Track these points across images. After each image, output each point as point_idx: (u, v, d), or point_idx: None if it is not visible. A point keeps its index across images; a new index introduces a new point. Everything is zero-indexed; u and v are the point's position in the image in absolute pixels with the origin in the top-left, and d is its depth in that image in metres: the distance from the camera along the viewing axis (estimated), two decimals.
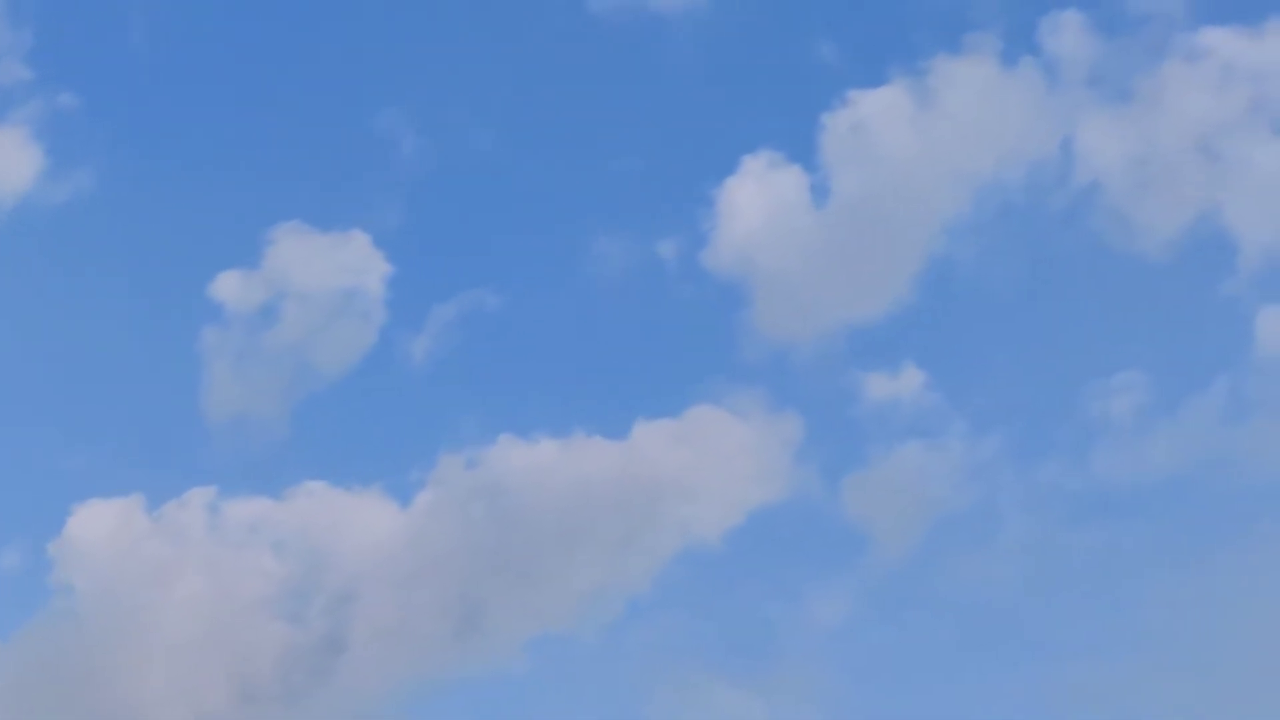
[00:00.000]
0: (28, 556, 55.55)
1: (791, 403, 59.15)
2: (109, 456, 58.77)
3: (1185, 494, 57.05)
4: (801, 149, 61.90)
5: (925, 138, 61.37)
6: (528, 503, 57.32)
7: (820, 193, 61.91)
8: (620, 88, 64.95)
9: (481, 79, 64.41)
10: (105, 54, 63.47)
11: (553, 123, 64.59)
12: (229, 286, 59.71)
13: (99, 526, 55.61)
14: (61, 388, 60.23)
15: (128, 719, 52.08)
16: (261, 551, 55.77)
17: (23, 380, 59.78)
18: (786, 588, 57.36)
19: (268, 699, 53.25)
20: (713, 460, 58.25)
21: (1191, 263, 60.37)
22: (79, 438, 58.99)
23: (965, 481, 58.40)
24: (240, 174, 63.49)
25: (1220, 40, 61.09)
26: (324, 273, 60.24)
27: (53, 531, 54.88)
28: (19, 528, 56.17)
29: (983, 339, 60.76)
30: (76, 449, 58.66)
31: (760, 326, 60.26)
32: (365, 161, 63.51)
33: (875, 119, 61.27)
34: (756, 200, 61.19)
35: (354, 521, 56.92)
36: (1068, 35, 61.48)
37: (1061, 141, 61.01)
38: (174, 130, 63.85)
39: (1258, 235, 59.65)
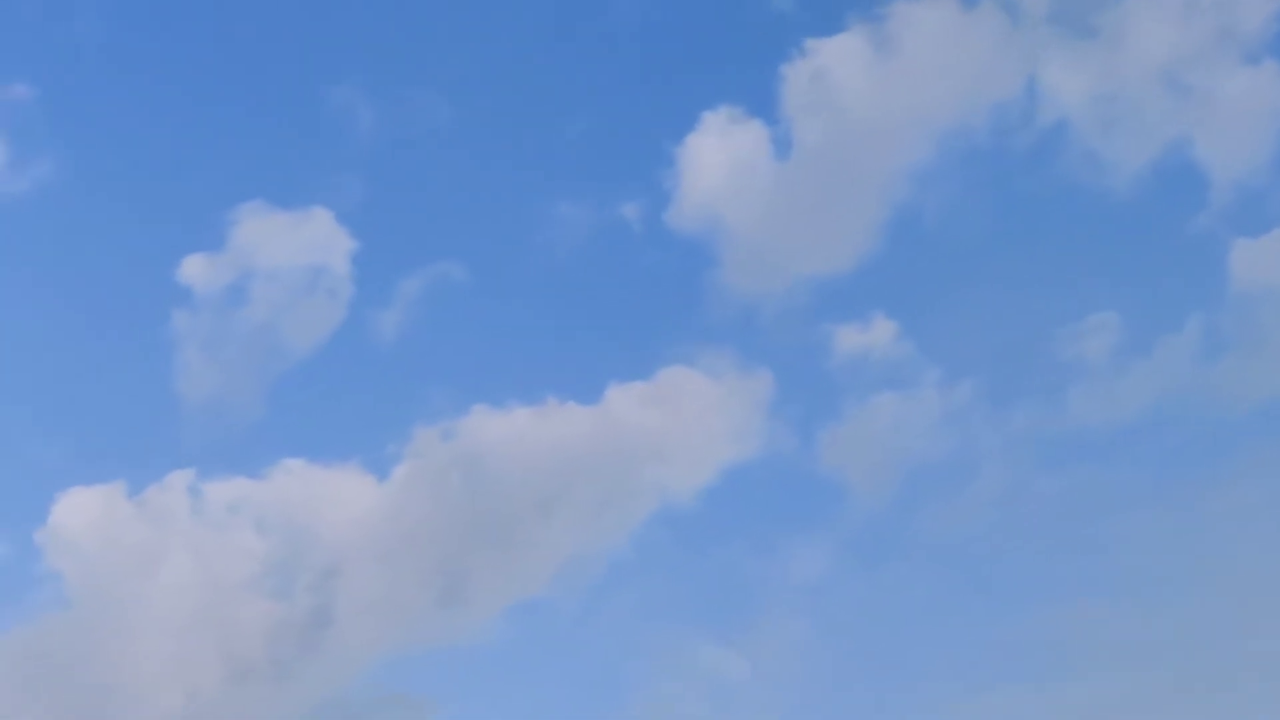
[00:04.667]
0: (15, 546, 56.29)
1: (762, 359, 59.41)
2: (88, 444, 59.34)
3: (1161, 434, 57.21)
4: (762, 102, 61.71)
5: (886, 84, 61.03)
6: (504, 471, 57.82)
7: (782, 145, 61.78)
8: (574, 49, 64.82)
9: (434, 48, 64.27)
10: (57, 43, 63.57)
11: (508, 89, 64.38)
12: (195, 269, 60.00)
13: (83, 514, 56.12)
14: (35, 379, 60.73)
15: (121, 701, 52.86)
16: (244, 531, 56.42)
17: None
18: (764, 544, 57.89)
19: (258, 675, 53.98)
20: (686, 420, 58.53)
21: (1162, 198, 60.15)
22: (57, 427, 59.58)
23: (939, 430, 58.66)
24: (199, 156, 63.75)
25: None
26: (289, 251, 60.43)
27: (38, 521, 55.57)
28: (4, 519, 56.92)
29: (953, 286, 60.65)
30: (55, 438, 59.18)
31: (728, 284, 60.39)
32: (323, 138, 63.57)
33: (835, 67, 60.85)
34: (718, 156, 60.97)
35: (333, 497, 57.33)
36: None
37: (1025, 81, 60.63)
38: (130, 117, 63.95)
39: (1229, 167, 59.38)
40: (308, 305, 60.16)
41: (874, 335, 59.20)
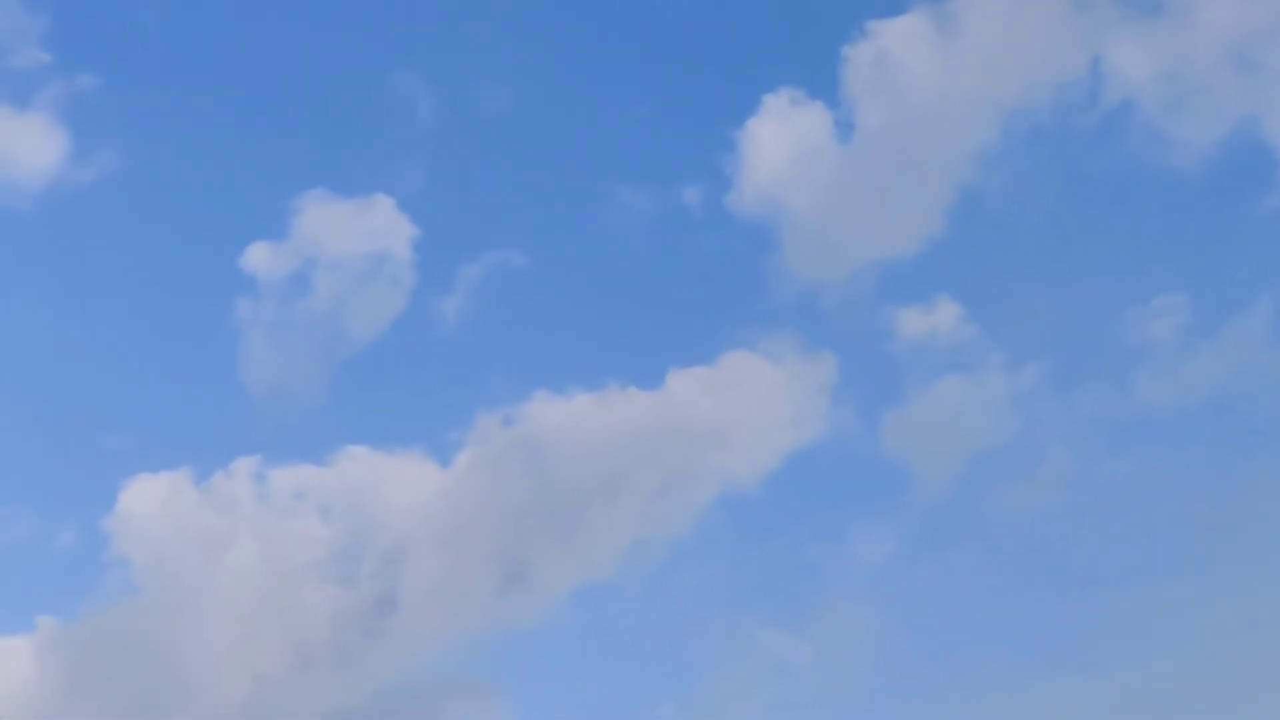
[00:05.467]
0: (83, 534, 56.78)
1: (825, 343, 59.13)
2: (155, 432, 59.82)
3: (1228, 417, 56.46)
4: (823, 84, 61.36)
5: (949, 65, 60.46)
6: (566, 457, 57.83)
7: (844, 128, 61.41)
8: (634, 34, 64.68)
9: (494, 35, 64.23)
10: (121, 33, 64.03)
11: (569, 75, 64.51)
12: (259, 258, 60.33)
13: (150, 501, 56.65)
14: (102, 368, 61.16)
15: (188, 686, 53.31)
16: (309, 517, 56.80)
17: (63, 363, 60.72)
18: (827, 529, 57.62)
19: (323, 661, 54.28)
20: (748, 405, 58.32)
21: (1230, 178, 59.28)
22: (124, 416, 60.15)
23: (1004, 414, 58.18)
24: (262, 145, 64.13)
25: None
26: (351, 239, 60.73)
27: (106, 508, 56.09)
28: (73, 507, 57.54)
29: (1018, 268, 60.12)
30: (122, 427, 59.77)
31: (789, 268, 60.06)
32: (384, 125, 63.87)
33: (897, 49, 60.37)
34: (779, 140, 60.67)
35: (397, 483, 57.58)
36: None
37: (1090, 61, 59.97)
38: (194, 106, 64.35)
39: None
40: (370, 293, 60.54)
41: (938, 318, 58.93)
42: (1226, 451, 55.61)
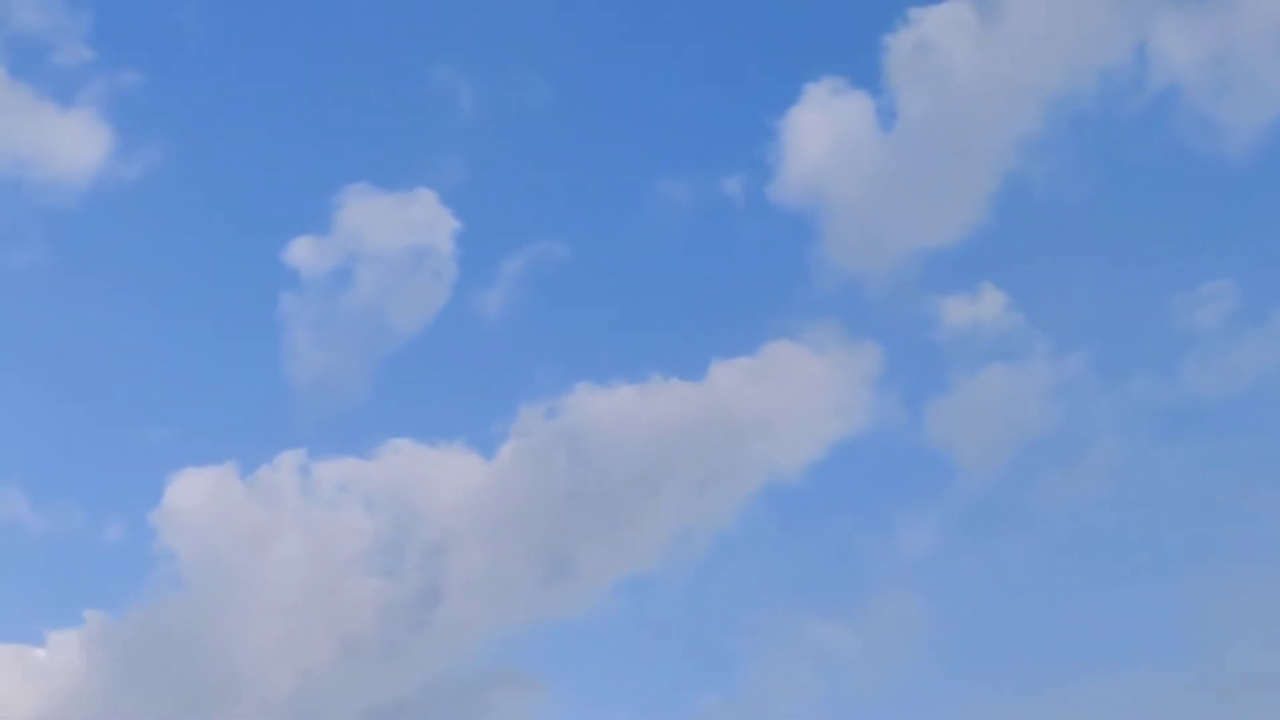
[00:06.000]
0: (130, 528, 57.02)
1: (869, 332, 58.89)
2: (200, 426, 59.96)
3: (1277, 403, 55.82)
4: (865, 73, 61.05)
5: (992, 52, 60.02)
6: (609, 448, 57.77)
7: (887, 116, 61.07)
8: (675, 25, 64.61)
9: (534, 27, 64.28)
10: (164, 30, 64.19)
11: (609, 67, 64.44)
12: (302, 252, 60.50)
13: (196, 495, 56.82)
14: (147, 363, 61.50)
15: (235, 679, 53.50)
16: (353, 510, 56.87)
17: (108, 359, 61.09)
18: (873, 519, 57.44)
19: (369, 653, 54.43)
20: (792, 395, 58.10)
21: (1277, 163, 58.61)
22: (169, 410, 60.33)
23: (1051, 402, 57.82)
24: (304, 140, 64.26)
25: None
26: (394, 232, 60.75)
27: (152, 503, 56.29)
28: (120, 502, 57.79)
29: (1063, 256, 59.70)
30: (167, 421, 59.91)
31: (832, 257, 59.83)
32: (425, 118, 63.81)
33: (939, 36, 59.98)
34: (822, 129, 60.41)
35: (441, 476, 57.72)
36: None
37: (1134, 46, 59.51)
38: (236, 102, 64.60)
39: None
40: (413, 286, 60.63)
41: (983, 307, 58.55)
42: (1276, 437, 55.25)
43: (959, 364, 58.70)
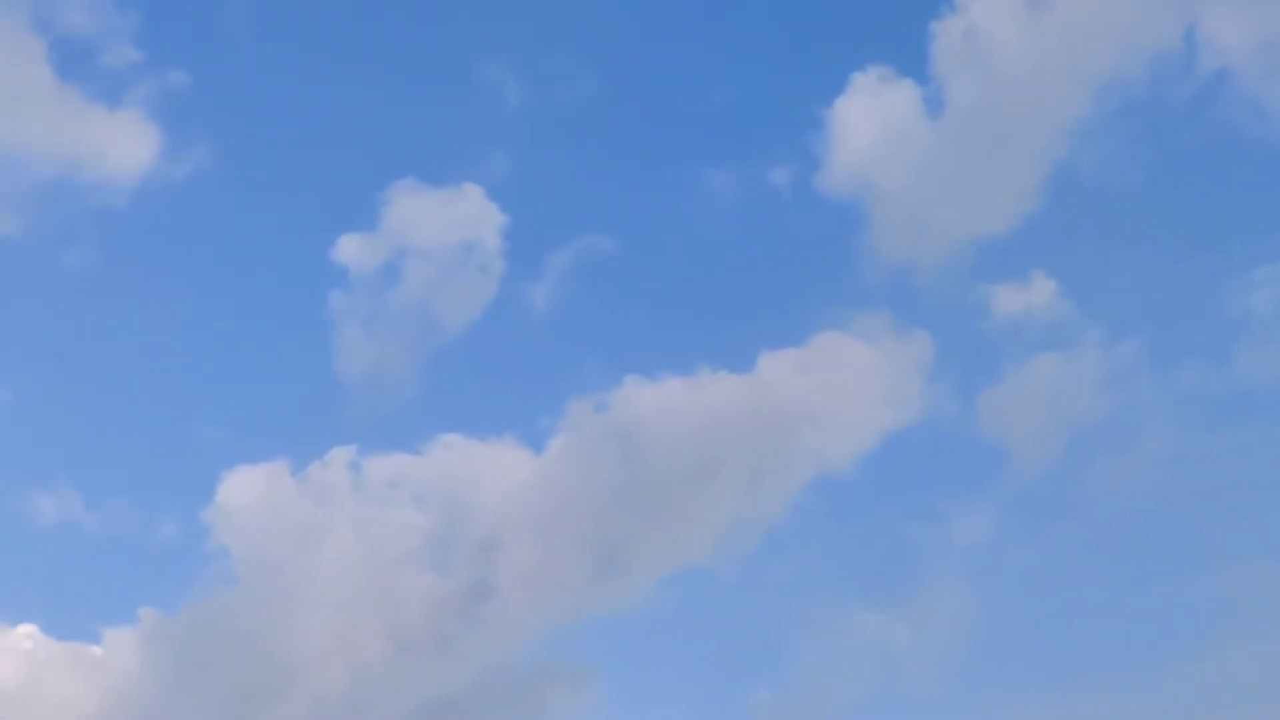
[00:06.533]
0: (183, 525, 57.41)
1: (919, 322, 58.59)
2: (252, 424, 60.26)
3: None
4: (912, 61, 60.76)
5: (1040, 38, 59.57)
6: (658, 441, 57.68)
7: (934, 104, 60.71)
8: (720, 16, 64.48)
9: (578, 20, 64.10)
10: (210, 30, 64.43)
11: (654, 59, 64.42)
12: (350, 249, 60.71)
13: (248, 492, 57.08)
14: (199, 362, 61.96)
15: (288, 674, 53.76)
16: (404, 506, 57.06)
17: (161, 358, 61.55)
18: (925, 509, 57.13)
19: (421, 648, 54.56)
20: (841, 386, 57.86)
21: None
22: (221, 409, 60.59)
23: (1103, 390, 57.43)
24: (350, 137, 64.56)
25: None
26: (441, 228, 60.84)
27: (205, 500, 56.58)
28: (173, 498, 58.14)
29: (1114, 242, 59.31)
30: (219, 419, 60.21)
31: (881, 247, 59.56)
32: (471, 113, 63.74)
33: (986, 23, 59.57)
34: (868, 118, 60.16)
35: (490, 471, 57.80)
36: None
37: (1184, 30, 59.03)
38: (282, 100, 64.85)
39: None
40: (460, 281, 60.73)
41: (1034, 295, 58.23)
42: None
43: (1010, 353, 58.57)
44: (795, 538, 56.29)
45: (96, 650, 54.37)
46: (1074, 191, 59.37)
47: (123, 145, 60.85)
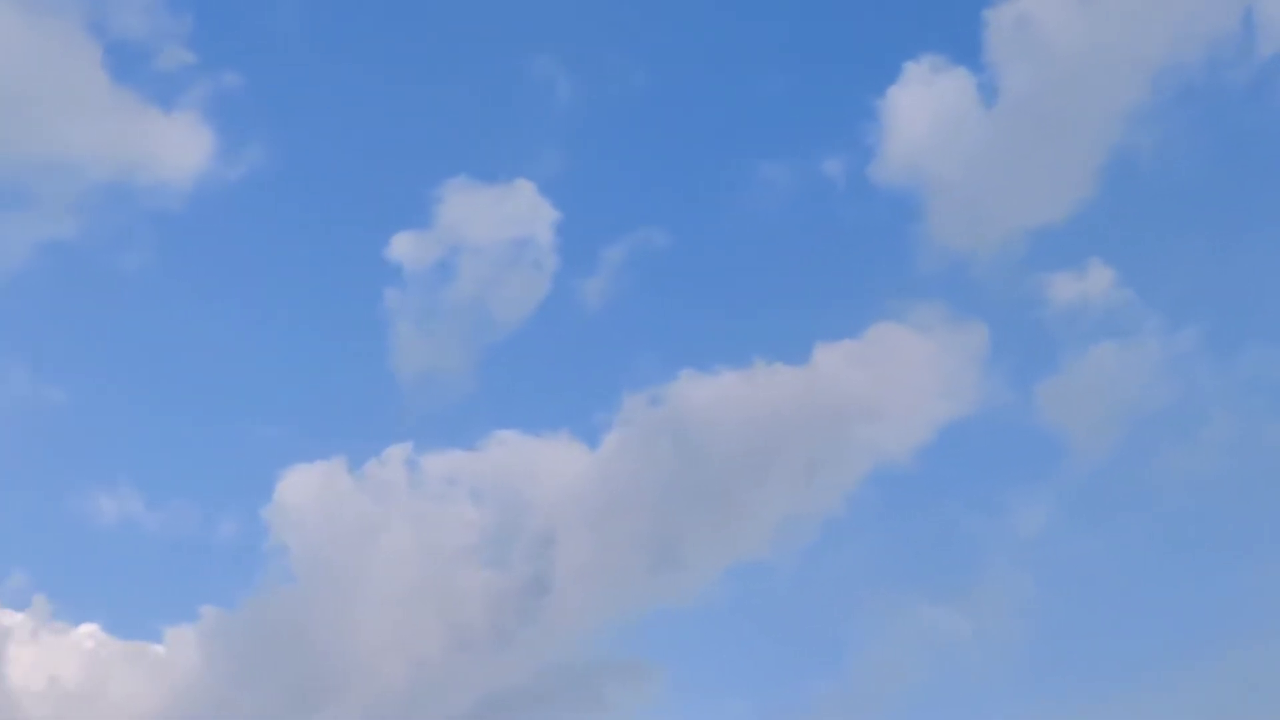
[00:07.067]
0: (243, 523, 57.70)
1: (975, 312, 58.26)
2: (309, 423, 60.65)
3: None
4: (965, 49, 60.35)
5: (1095, 23, 59.20)
6: (714, 435, 57.56)
7: (988, 93, 60.32)
8: (769, 5, 64.37)
9: (628, 14, 64.22)
10: (263, 30, 64.78)
11: (705, 51, 64.28)
12: (405, 247, 60.81)
13: (306, 490, 57.33)
14: (257, 362, 62.18)
15: (348, 670, 53.99)
16: (461, 502, 57.19)
17: (218, 358, 61.76)
18: (984, 501, 56.85)
19: (479, 643, 54.64)
20: (898, 378, 57.66)
21: None
22: (279, 408, 60.95)
23: (1163, 378, 56.98)
24: (403, 135, 64.57)
25: None
26: (494, 224, 60.94)
27: (264, 498, 56.83)
28: (232, 497, 58.47)
29: (1172, 229, 58.92)
30: (277, 418, 60.59)
31: (936, 237, 59.23)
32: (523, 110, 63.93)
33: (1040, 9, 59.23)
34: (922, 107, 59.79)
35: (546, 466, 57.87)
36: None
37: (1241, 13, 58.48)
38: (335, 100, 65.09)
39: None
40: (514, 277, 60.82)
41: (1091, 283, 57.78)
42: None
43: (1068, 342, 58.25)
44: (853, 530, 56.32)
45: (158, 648, 54.91)
46: (1131, 178, 59.12)
47: (178, 147, 61.29)
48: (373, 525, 57.04)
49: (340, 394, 61.12)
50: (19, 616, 54.14)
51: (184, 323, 61.92)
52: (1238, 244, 58.27)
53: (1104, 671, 51.68)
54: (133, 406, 60.74)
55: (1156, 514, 54.98)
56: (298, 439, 59.25)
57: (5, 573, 55.09)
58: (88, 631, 54.79)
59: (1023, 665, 52.61)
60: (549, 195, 61.11)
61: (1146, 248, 58.77)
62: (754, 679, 53.84)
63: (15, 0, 60.48)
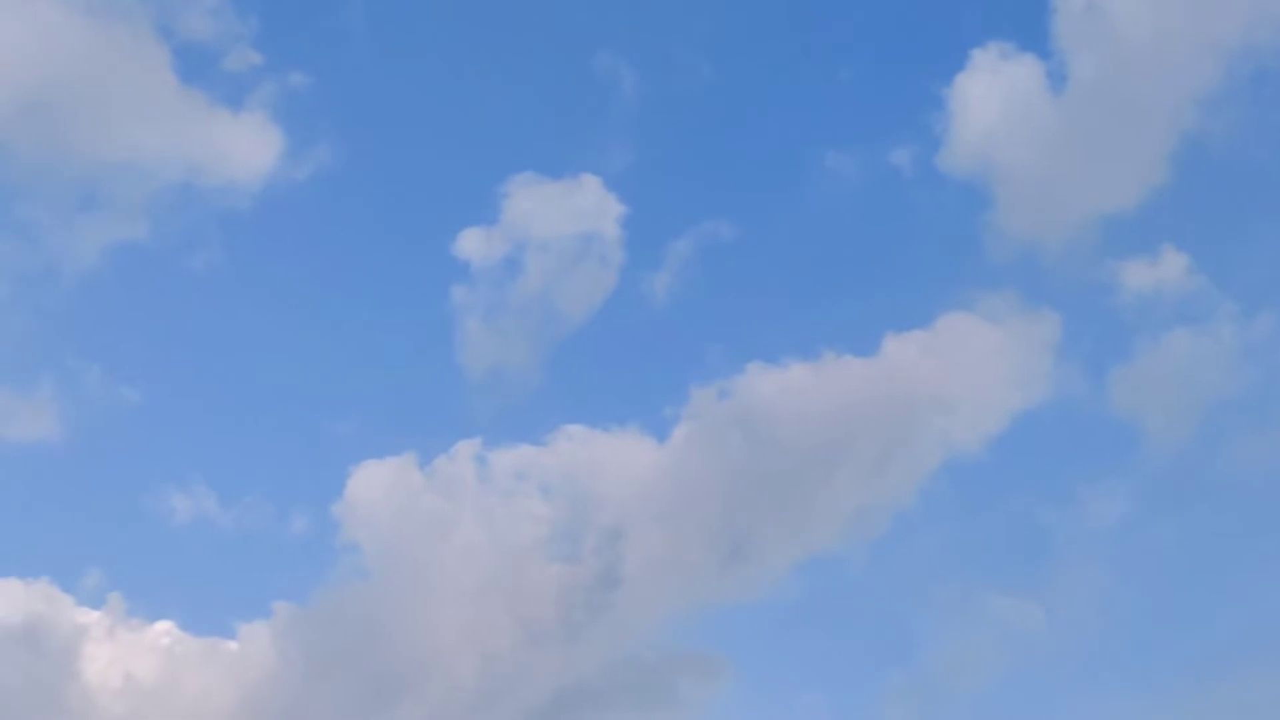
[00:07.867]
0: (314, 520, 57.80)
1: (1046, 301, 57.80)
2: (379, 419, 60.61)
3: None
4: (1033, 35, 59.83)
5: (1165, 6, 58.63)
6: (783, 427, 57.39)
7: (1057, 79, 59.78)
8: None
9: (692, 6, 64.12)
10: (329, 30, 64.96)
11: (769, 42, 63.95)
12: (472, 243, 60.85)
13: (377, 486, 57.51)
14: (325, 358, 62.25)
15: (421, 665, 54.26)
16: (530, 497, 57.15)
17: (289, 356, 62.13)
18: (1057, 491, 56.27)
19: (550, 637, 54.71)
20: (968, 368, 57.26)
21: None
22: (348, 405, 60.98)
23: (1239, 365, 56.26)
24: (469, 132, 64.67)
25: None
26: (560, 220, 60.90)
27: (334, 495, 56.96)
28: (303, 494, 58.64)
29: (1246, 214, 58.09)
30: (347, 415, 60.61)
31: (1006, 225, 58.65)
32: (588, 105, 63.93)
33: None
34: (990, 95, 59.27)
35: (615, 460, 57.91)
36: None
37: None
38: (401, 98, 65.16)
39: None
40: (581, 272, 60.77)
41: (1164, 270, 57.13)
42: None
43: (1141, 330, 57.56)
44: (925, 522, 55.94)
45: (232, 645, 55.08)
46: (1203, 163, 58.39)
47: (246, 148, 61.55)
48: (443, 521, 57.35)
49: (409, 391, 61.42)
50: (95, 615, 54.65)
51: (254, 322, 62.37)
52: None
53: (1180, 664, 51.25)
54: (205, 405, 61.22)
55: (1233, 503, 54.38)
56: (368, 436, 59.46)
57: (81, 571, 55.77)
58: (163, 629, 55.24)
59: (1097, 658, 52.23)
60: (615, 190, 61.22)
61: (1220, 234, 58.24)
62: (825, 673, 53.70)
63: (84, 6, 61.11)
